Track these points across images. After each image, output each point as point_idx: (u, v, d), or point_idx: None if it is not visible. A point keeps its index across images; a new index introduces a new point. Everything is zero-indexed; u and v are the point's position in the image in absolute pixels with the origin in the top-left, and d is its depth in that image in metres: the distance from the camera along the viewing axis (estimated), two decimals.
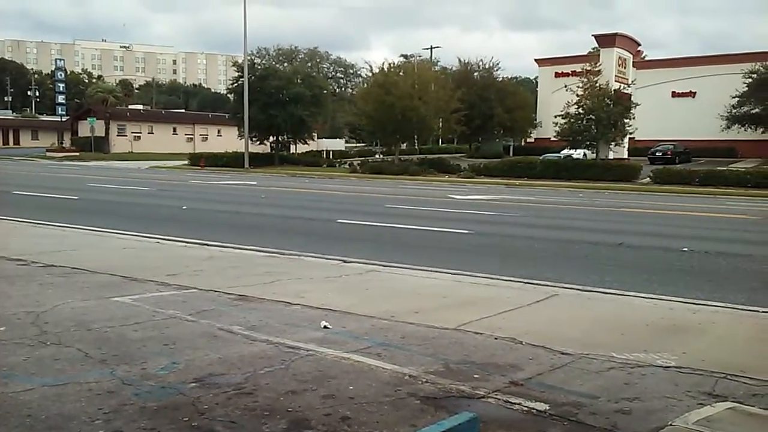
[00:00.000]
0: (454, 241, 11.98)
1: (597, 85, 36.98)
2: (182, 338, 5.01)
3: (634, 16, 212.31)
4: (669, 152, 47.73)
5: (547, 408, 3.82)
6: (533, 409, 3.81)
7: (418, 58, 64.67)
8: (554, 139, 43.62)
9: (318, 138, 63.48)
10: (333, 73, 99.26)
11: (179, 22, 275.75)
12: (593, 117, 36.43)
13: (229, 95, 59.87)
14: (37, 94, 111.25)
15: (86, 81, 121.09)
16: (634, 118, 38.80)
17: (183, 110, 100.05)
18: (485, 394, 4.02)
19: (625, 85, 44.95)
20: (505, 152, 56.29)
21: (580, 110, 36.74)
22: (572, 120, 37.06)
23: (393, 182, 33.95)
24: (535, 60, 66.60)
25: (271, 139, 50.80)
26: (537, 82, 70.72)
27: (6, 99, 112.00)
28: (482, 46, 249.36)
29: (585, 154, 41.42)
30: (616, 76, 44.74)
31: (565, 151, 43.42)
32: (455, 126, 47.63)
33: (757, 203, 20.32)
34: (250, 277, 7.60)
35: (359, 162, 46.66)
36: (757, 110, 46.83)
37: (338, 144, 70.70)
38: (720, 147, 51.43)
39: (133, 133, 74.88)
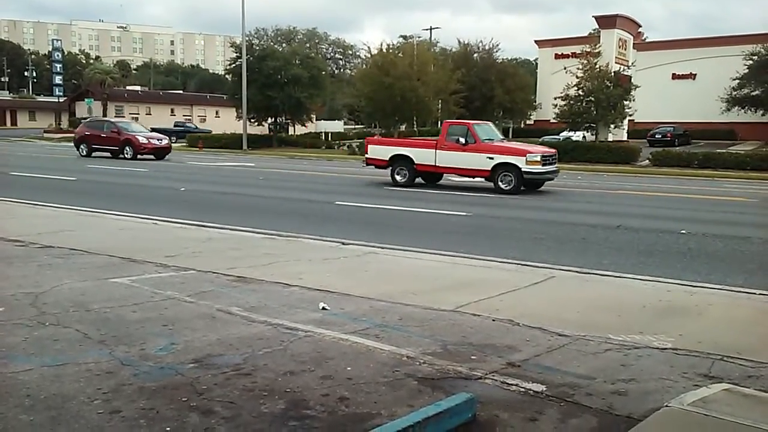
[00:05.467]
0: (452, 224, 11.99)
1: (597, 66, 36.81)
2: (181, 319, 5.02)
3: None
4: (668, 134, 47.67)
5: (544, 389, 3.84)
6: (530, 390, 3.83)
7: (417, 39, 64.26)
8: (554, 121, 43.49)
9: (317, 120, 63.28)
10: (332, 54, 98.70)
11: (176, 3, 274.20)
12: (593, 99, 36.30)
13: (227, 76, 59.52)
14: (34, 74, 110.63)
15: (83, 62, 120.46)
16: (633, 100, 38.69)
17: (181, 91, 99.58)
18: (482, 375, 4.04)
19: (625, 67, 44.77)
20: (504, 134, 56.09)
21: (580, 92, 36.60)
22: (572, 102, 36.93)
23: None
24: (535, 41, 66.23)
25: (270, 120, 50.65)
26: (536, 64, 70.40)
27: (3, 80, 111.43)
28: (474, 28, 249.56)
29: (584, 137, 41.33)
30: (616, 57, 44.54)
31: (565, 133, 43.34)
32: (454, 107, 47.48)
33: (755, 186, 20.33)
34: (248, 258, 7.61)
35: (358, 144, 46.51)
36: (757, 92, 46.62)
37: (337, 126, 70.47)
38: (720, 129, 51.32)
39: (130, 114, 74.51)
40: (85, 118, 66.28)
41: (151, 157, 30.24)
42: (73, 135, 61.42)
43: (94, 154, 31.29)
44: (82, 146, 31.93)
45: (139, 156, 29.86)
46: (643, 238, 10.46)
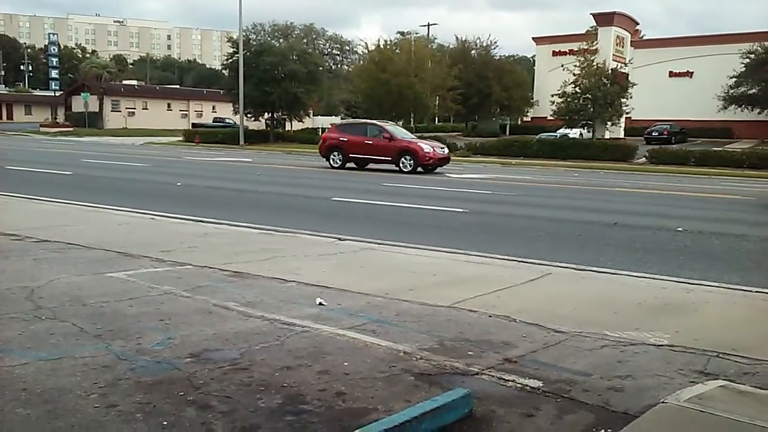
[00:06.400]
0: (449, 220, 11.99)
1: (594, 64, 36.87)
2: (177, 314, 5.02)
3: None
4: (665, 132, 47.75)
5: (541, 385, 3.84)
6: (527, 385, 3.83)
7: (414, 35, 64.20)
8: (551, 118, 43.57)
9: (313, 115, 63.22)
10: (329, 50, 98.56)
11: None
12: (590, 96, 36.39)
13: (224, 71, 59.64)
14: (30, 68, 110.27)
15: (80, 56, 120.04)
16: (630, 98, 38.77)
17: (178, 86, 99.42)
18: (479, 371, 4.04)
19: (623, 65, 44.85)
20: (501, 131, 56.13)
21: (577, 89, 36.68)
22: (569, 99, 37.00)
23: None
24: (533, 38, 66.26)
25: (267, 116, 50.63)
26: (534, 61, 70.45)
27: None
28: (470, 25, 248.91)
29: (581, 134, 41.39)
30: (613, 55, 44.66)
31: (562, 131, 43.38)
32: (451, 104, 47.51)
33: (751, 184, 20.38)
34: (245, 253, 7.59)
35: None
36: (754, 91, 46.74)
37: (334, 121, 70.36)
38: (716, 127, 51.44)
39: (127, 108, 74.49)
40: (81, 113, 66.36)
41: (420, 170, 24.23)
42: (70, 129, 61.92)
43: (348, 165, 25.39)
44: (334, 155, 25.53)
45: (419, 169, 23.98)
46: (640, 235, 10.47)
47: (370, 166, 25.53)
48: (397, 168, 24.10)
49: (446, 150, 25.66)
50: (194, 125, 62.60)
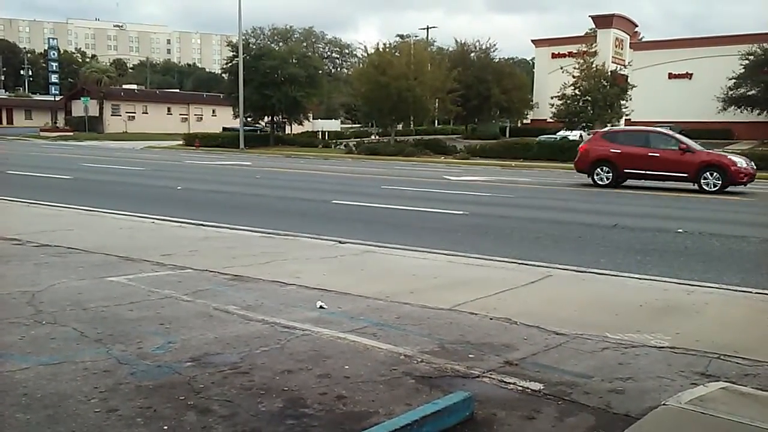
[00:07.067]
0: (449, 222, 11.98)
1: (593, 66, 36.92)
2: (178, 318, 5.01)
3: None
4: None
5: (542, 387, 3.84)
6: (527, 388, 3.83)
7: (414, 38, 64.33)
8: (550, 120, 43.62)
9: (313, 119, 63.23)
10: (328, 53, 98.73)
11: (173, 2, 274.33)
12: (589, 98, 36.43)
13: (223, 75, 59.63)
14: (30, 73, 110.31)
15: (80, 60, 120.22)
16: (630, 100, 38.82)
17: (177, 90, 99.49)
18: (480, 374, 4.04)
19: (622, 66, 44.95)
20: (501, 133, 56.13)
21: (577, 91, 36.72)
22: (568, 101, 37.05)
23: (388, 163, 33.90)
24: (532, 41, 66.34)
25: (266, 119, 50.65)
26: (533, 63, 70.53)
27: None
28: (469, 28, 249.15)
29: (581, 136, 41.41)
30: (612, 57, 44.77)
31: (561, 133, 43.39)
32: (451, 107, 47.51)
33: (751, 185, 20.28)
34: (245, 257, 7.59)
35: (355, 143, 46.57)
36: (753, 92, 46.78)
37: (334, 125, 70.44)
38: (716, 129, 51.47)
39: (127, 113, 74.61)
40: (81, 117, 66.29)
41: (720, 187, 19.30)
42: (70, 133, 61.83)
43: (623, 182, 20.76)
44: (600, 171, 20.61)
45: (727, 189, 19.27)
46: (640, 236, 10.47)
47: (630, 182, 20.88)
48: (696, 186, 19.46)
49: (753, 164, 20.76)
50: (224, 129, 61.52)
